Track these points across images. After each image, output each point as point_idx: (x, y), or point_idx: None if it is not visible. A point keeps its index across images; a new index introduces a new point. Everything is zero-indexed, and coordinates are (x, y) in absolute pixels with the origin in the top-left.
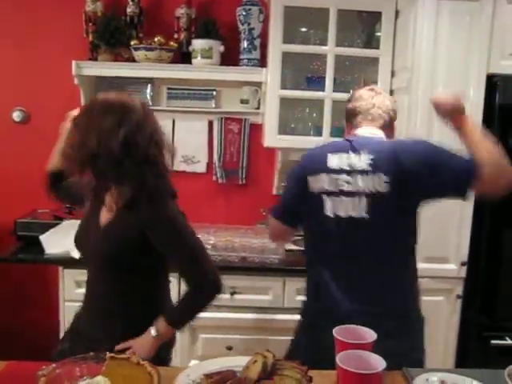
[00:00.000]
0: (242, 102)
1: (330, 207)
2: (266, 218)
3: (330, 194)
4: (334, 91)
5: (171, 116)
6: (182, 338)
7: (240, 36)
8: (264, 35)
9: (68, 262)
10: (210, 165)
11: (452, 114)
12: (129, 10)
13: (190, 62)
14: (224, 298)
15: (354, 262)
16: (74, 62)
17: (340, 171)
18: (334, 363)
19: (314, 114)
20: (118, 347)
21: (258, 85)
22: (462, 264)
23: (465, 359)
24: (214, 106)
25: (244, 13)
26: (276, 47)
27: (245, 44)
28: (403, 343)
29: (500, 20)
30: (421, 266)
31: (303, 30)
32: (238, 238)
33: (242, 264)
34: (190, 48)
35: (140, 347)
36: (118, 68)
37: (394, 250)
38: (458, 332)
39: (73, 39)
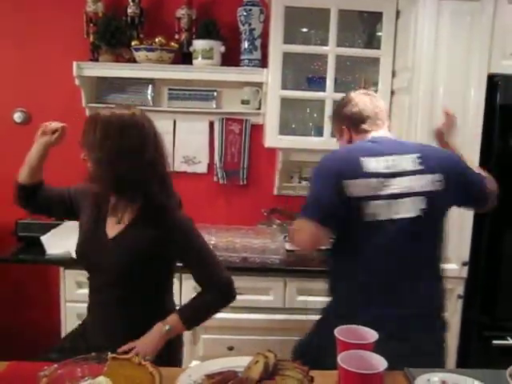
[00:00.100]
0: (243, 102)
1: (377, 211)
2: (267, 218)
3: (375, 197)
4: (334, 91)
5: (172, 117)
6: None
7: (241, 36)
8: (265, 35)
9: (69, 263)
10: (210, 165)
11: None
12: (129, 10)
13: (190, 63)
14: None
15: (402, 263)
16: (74, 63)
17: (383, 174)
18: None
19: (315, 115)
20: (121, 349)
21: (259, 85)
22: (463, 264)
23: (466, 359)
24: (214, 106)
25: (245, 13)
26: (277, 47)
27: (245, 44)
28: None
29: (501, 20)
30: None
31: (304, 30)
32: (238, 238)
33: (243, 264)
34: (191, 48)
35: (144, 346)
36: (119, 69)
37: (435, 250)
38: (459, 332)
39: (74, 40)
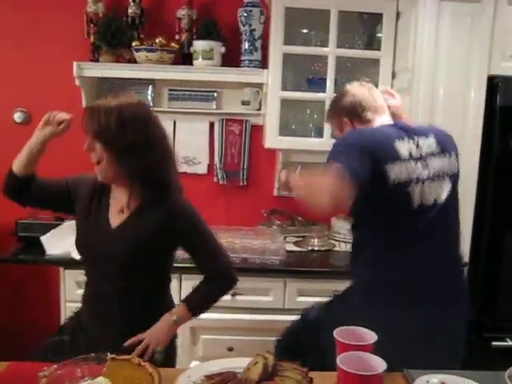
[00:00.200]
0: (243, 103)
1: (415, 195)
2: (267, 219)
3: (413, 181)
4: (334, 92)
5: (172, 117)
6: (182, 339)
7: (241, 37)
8: (265, 36)
9: (69, 263)
10: (211, 166)
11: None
12: (130, 10)
13: (191, 64)
14: (225, 299)
15: (438, 244)
16: (75, 63)
17: (417, 158)
18: None
19: (315, 116)
20: (128, 342)
21: (259, 86)
22: (463, 265)
23: (465, 360)
24: (215, 107)
25: (245, 14)
26: (277, 48)
27: (246, 45)
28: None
29: (501, 21)
30: None
31: (304, 31)
32: (238, 239)
33: (243, 265)
34: (191, 49)
35: (154, 337)
36: (120, 69)
37: (457, 229)
38: None
39: (74, 40)
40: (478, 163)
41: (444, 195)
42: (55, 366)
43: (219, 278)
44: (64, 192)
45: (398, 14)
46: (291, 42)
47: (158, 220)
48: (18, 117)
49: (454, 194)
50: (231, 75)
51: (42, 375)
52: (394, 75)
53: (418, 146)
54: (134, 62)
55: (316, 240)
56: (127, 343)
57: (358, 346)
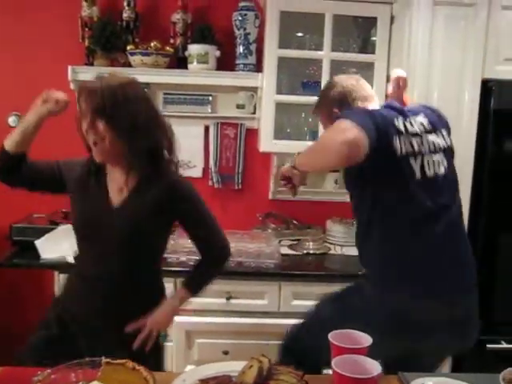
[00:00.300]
0: (238, 106)
1: (416, 168)
2: (262, 222)
3: (414, 154)
4: None
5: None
6: (177, 342)
7: (236, 41)
8: (260, 40)
9: (63, 267)
10: (205, 170)
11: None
12: (125, 14)
13: (186, 67)
14: (220, 302)
15: (440, 221)
16: (69, 67)
17: (416, 133)
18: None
19: (310, 119)
20: (130, 326)
21: (254, 90)
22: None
23: (460, 363)
24: (210, 110)
25: (240, 18)
26: (272, 52)
27: (241, 49)
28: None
29: (495, 25)
30: None
31: (299, 35)
32: (233, 242)
33: (238, 269)
34: (186, 53)
35: (157, 322)
36: None
37: (459, 205)
38: None
39: (69, 44)
40: (473, 166)
41: (442, 169)
42: (49, 370)
43: (215, 255)
44: (55, 173)
45: (392, 18)
46: (286, 45)
47: (157, 196)
48: (12, 121)
49: (452, 169)
50: (226, 79)
51: (36, 380)
52: (388, 78)
53: (411, 124)
54: (129, 65)
55: (311, 243)
56: (129, 328)
57: (353, 349)
